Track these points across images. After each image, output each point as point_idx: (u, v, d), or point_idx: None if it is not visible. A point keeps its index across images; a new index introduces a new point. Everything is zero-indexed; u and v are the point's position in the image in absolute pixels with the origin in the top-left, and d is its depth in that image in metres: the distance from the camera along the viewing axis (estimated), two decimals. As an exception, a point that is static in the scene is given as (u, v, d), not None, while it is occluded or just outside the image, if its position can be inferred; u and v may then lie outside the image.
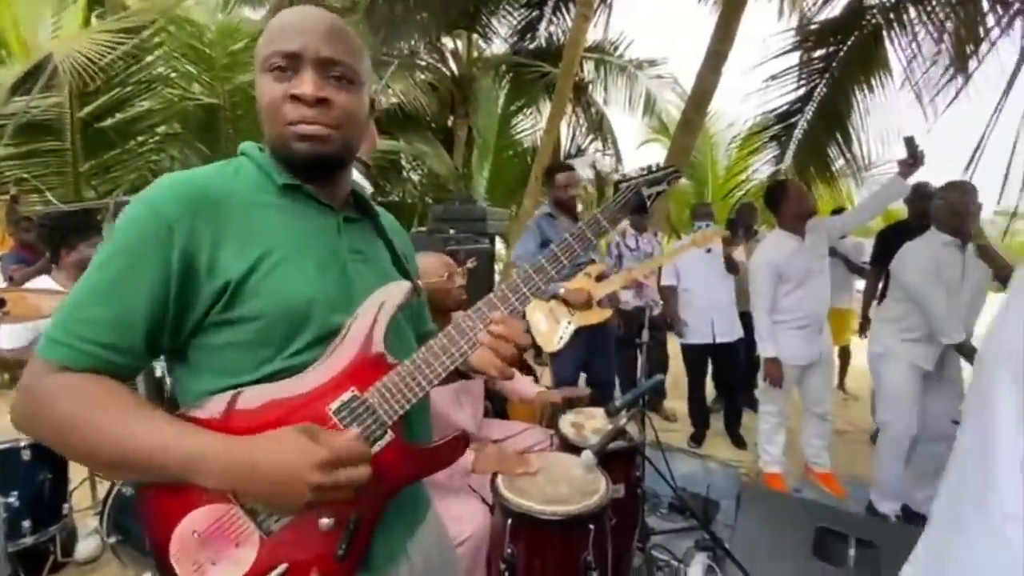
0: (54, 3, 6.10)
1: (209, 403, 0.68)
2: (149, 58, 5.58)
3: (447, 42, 8.68)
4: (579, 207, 2.90)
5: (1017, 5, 3.29)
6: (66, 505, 2.05)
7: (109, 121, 5.61)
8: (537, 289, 0.79)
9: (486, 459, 1.60)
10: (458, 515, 1.51)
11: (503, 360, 0.76)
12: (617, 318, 3.69)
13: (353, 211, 0.84)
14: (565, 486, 1.45)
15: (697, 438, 3.61)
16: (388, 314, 0.75)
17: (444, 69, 8.76)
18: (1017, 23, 3.15)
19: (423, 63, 8.58)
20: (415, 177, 8.77)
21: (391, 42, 7.05)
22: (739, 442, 3.56)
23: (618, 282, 2.88)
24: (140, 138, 5.86)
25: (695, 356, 3.63)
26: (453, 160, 8.39)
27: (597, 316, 2.74)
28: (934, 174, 3.10)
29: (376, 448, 0.71)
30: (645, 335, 2.39)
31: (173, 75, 6.09)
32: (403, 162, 8.55)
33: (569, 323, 2.72)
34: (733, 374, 3.68)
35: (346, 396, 0.71)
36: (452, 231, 3.50)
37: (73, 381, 0.64)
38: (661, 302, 3.72)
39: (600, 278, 2.81)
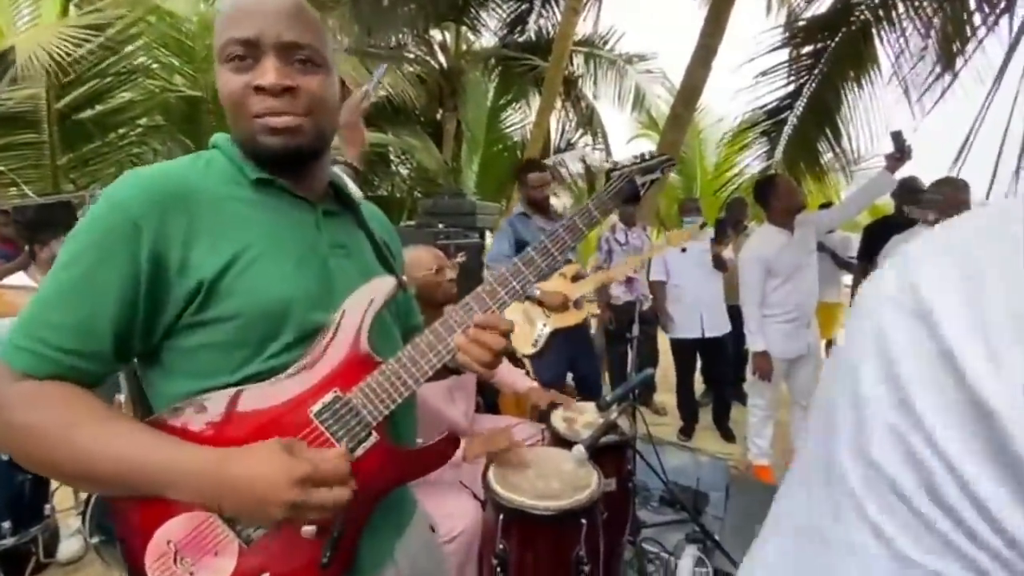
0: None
1: (184, 408, 0.65)
2: (129, 48, 5.43)
3: (435, 35, 8.60)
4: (567, 202, 2.90)
5: (1003, 3, 3.33)
6: (48, 505, 2.01)
7: (88, 113, 5.47)
8: (527, 283, 0.77)
9: (474, 445, 1.59)
10: (449, 511, 1.50)
11: (480, 363, 0.74)
12: (608, 312, 3.69)
13: (333, 203, 0.80)
14: (557, 481, 1.44)
15: (686, 431, 3.64)
16: (373, 311, 0.73)
17: (432, 62, 8.67)
18: (1004, 20, 3.20)
19: (411, 56, 8.49)
20: (404, 171, 8.69)
21: (378, 34, 6.96)
22: (728, 435, 3.60)
23: (593, 282, 2.86)
24: (121, 130, 5.72)
25: (684, 351, 3.66)
26: (442, 154, 8.33)
27: (573, 318, 2.72)
28: (922, 169, 3.14)
29: (360, 451, 0.69)
30: (635, 330, 2.40)
31: (154, 66, 5.94)
32: (391, 156, 8.47)
33: (544, 325, 2.70)
34: (721, 368, 3.72)
35: (328, 397, 0.68)
36: (441, 225, 3.47)
37: (36, 389, 0.60)
38: (651, 296, 3.73)
39: (576, 279, 2.80)
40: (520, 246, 2.67)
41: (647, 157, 0.87)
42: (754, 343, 2.80)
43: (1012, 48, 2.95)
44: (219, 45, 0.67)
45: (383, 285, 0.75)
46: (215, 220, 0.66)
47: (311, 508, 0.60)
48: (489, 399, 2.56)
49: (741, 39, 4.99)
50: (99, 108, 5.54)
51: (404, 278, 0.85)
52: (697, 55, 4.43)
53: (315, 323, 0.70)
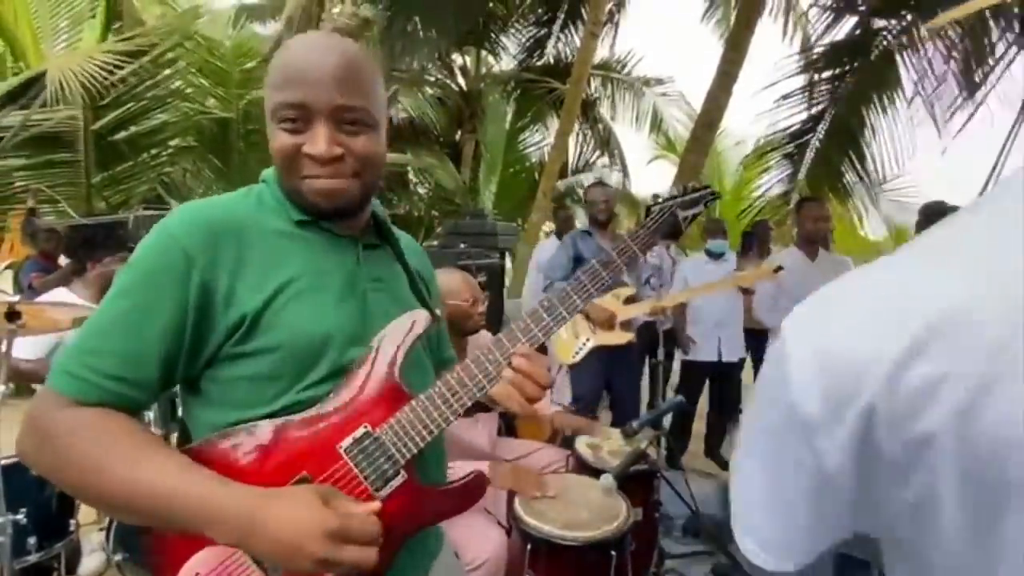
0: (71, 17, 6.21)
1: (217, 440, 0.66)
2: (167, 71, 5.65)
3: (456, 58, 8.79)
4: (585, 221, 2.94)
5: (1026, 27, 3.31)
6: (72, 521, 2.02)
7: (123, 134, 5.66)
8: (562, 318, 0.76)
9: (503, 476, 1.56)
10: (473, 538, 1.47)
11: (526, 398, 0.74)
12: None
13: (372, 236, 0.81)
14: (585, 510, 1.42)
15: (673, 460, 3.48)
16: (406, 345, 0.73)
17: (453, 84, 8.85)
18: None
19: (432, 78, 8.67)
20: (422, 190, 8.81)
21: (403, 58, 7.13)
22: (722, 463, 3.48)
23: (645, 307, 2.84)
24: (153, 151, 5.91)
25: (695, 374, 3.49)
26: (460, 174, 8.44)
27: (617, 338, 2.71)
28: (948, 191, 3.09)
29: (387, 490, 0.68)
30: (661, 353, 2.36)
31: (188, 90, 6.15)
32: (410, 175, 8.59)
33: (588, 340, 2.71)
34: (731, 395, 3.60)
35: (358, 433, 0.68)
36: (463, 245, 3.49)
37: (83, 416, 0.61)
38: (671, 317, 3.67)
39: (628, 301, 2.81)
40: (578, 261, 2.73)
41: (689, 190, 0.84)
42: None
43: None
44: (271, 104, 0.67)
45: (417, 319, 0.75)
46: (262, 254, 0.68)
47: (337, 564, 0.58)
48: (506, 419, 2.54)
49: (760, 62, 5.02)
50: (133, 129, 5.73)
51: (438, 311, 0.85)
52: (718, 81, 4.46)
53: (351, 358, 0.70)
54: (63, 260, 3.64)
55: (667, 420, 3.49)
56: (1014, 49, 3.47)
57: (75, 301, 2.12)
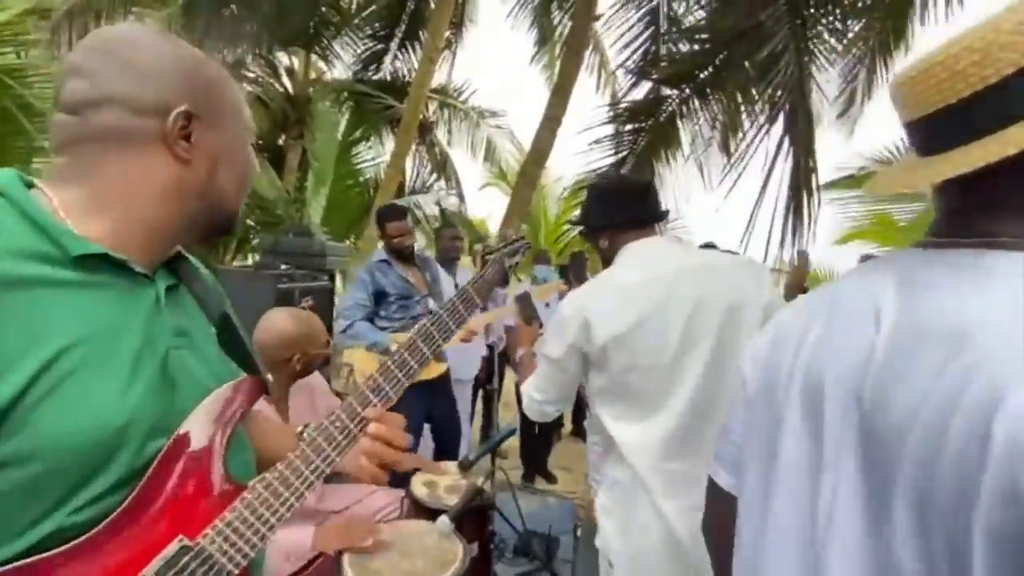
0: None
1: None
2: None
3: (282, 58, 8.10)
4: (421, 243, 2.86)
5: (768, 116, 4.40)
6: None
7: None
8: (413, 372, 0.73)
9: (327, 536, 1.41)
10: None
11: (382, 466, 0.68)
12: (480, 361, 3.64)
13: (168, 273, 0.62)
14: (420, 559, 1.35)
15: (530, 477, 3.65)
16: (230, 427, 0.58)
17: (276, 85, 8.11)
18: (776, 121, 4.21)
19: (251, 75, 7.81)
20: (236, 197, 7.79)
21: (212, 46, 6.27)
22: (549, 476, 3.76)
23: (462, 332, 2.84)
24: None
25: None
26: (283, 183, 7.70)
27: (430, 371, 2.62)
28: (720, 237, 3.92)
29: None
30: (495, 382, 2.42)
31: None
32: (220, 179, 7.54)
33: None
34: None
35: (171, 550, 0.52)
36: (285, 266, 3.14)
37: None
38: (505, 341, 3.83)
39: None
40: (379, 296, 2.54)
41: (510, 240, 0.98)
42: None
43: (777, 149, 3.95)
44: (243, 126, 0.69)
45: (241, 390, 0.60)
46: (13, 318, 0.47)
47: None
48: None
49: (583, 106, 5.70)
50: None
51: (270, 378, 0.73)
52: (545, 124, 4.90)
53: (151, 452, 0.53)
54: None
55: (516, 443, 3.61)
56: (757, 127, 4.58)
57: None
